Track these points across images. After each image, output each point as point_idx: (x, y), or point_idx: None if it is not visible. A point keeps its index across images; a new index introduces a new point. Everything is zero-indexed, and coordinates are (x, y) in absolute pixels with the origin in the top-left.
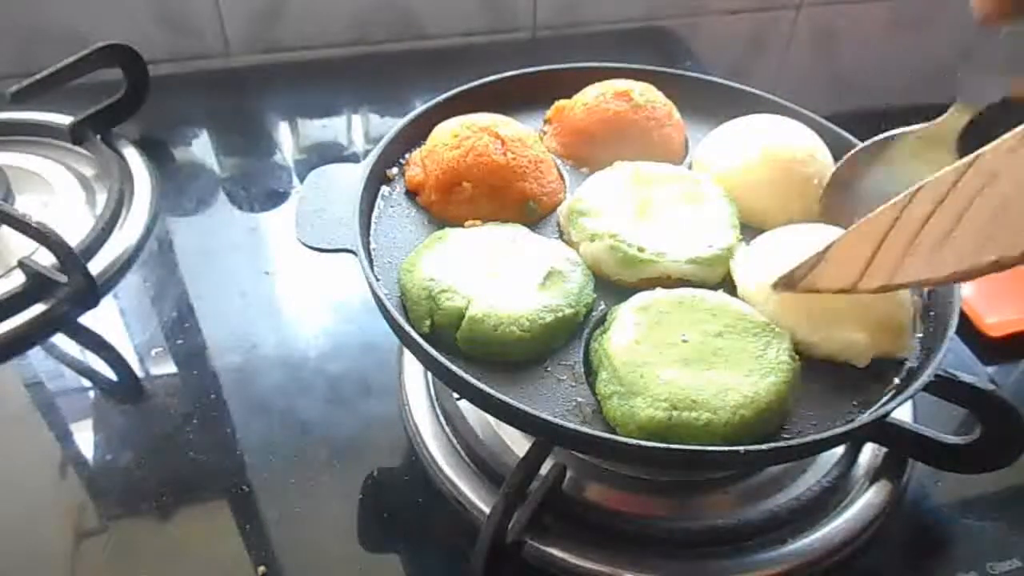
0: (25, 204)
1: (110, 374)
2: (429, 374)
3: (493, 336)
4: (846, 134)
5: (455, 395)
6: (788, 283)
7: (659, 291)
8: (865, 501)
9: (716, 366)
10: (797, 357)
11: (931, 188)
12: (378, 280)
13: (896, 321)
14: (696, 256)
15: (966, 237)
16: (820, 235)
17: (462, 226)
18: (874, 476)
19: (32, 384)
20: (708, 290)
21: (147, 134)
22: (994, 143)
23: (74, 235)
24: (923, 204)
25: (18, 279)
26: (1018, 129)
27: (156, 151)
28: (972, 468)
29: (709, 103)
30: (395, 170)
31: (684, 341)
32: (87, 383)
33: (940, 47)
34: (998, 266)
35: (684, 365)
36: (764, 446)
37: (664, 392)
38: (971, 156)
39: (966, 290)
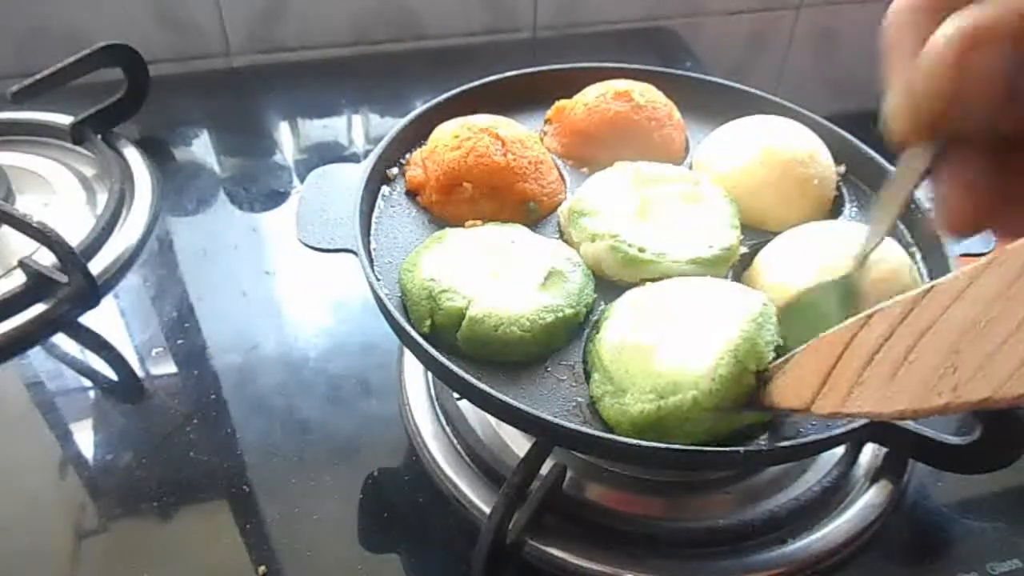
0: (26, 204)
1: (110, 374)
2: (429, 374)
3: (494, 336)
4: (846, 134)
5: (455, 395)
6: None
7: (647, 285)
8: (865, 501)
9: (696, 337)
10: (770, 301)
11: (884, 314)
12: (379, 280)
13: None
14: (697, 256)
15: (915, 374)
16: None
17: (462, 226)
18: (874, 476)
19: (32, 384)
20: (695, 276)
21: (148, 134)
22: (948, 276)
23: (75, 235)
24: (876, 330)
25: (19, 279)
26: (967, 268)
27: (157, 151)
28: (972, 468)
29: (710, 103)
30: (395, 170)
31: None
32: (87, 383)
33: None
34: (948, 409)
35: (667, 348)
36: (765, 447)
37: (648, 384)
38: (924, 287)
39: None
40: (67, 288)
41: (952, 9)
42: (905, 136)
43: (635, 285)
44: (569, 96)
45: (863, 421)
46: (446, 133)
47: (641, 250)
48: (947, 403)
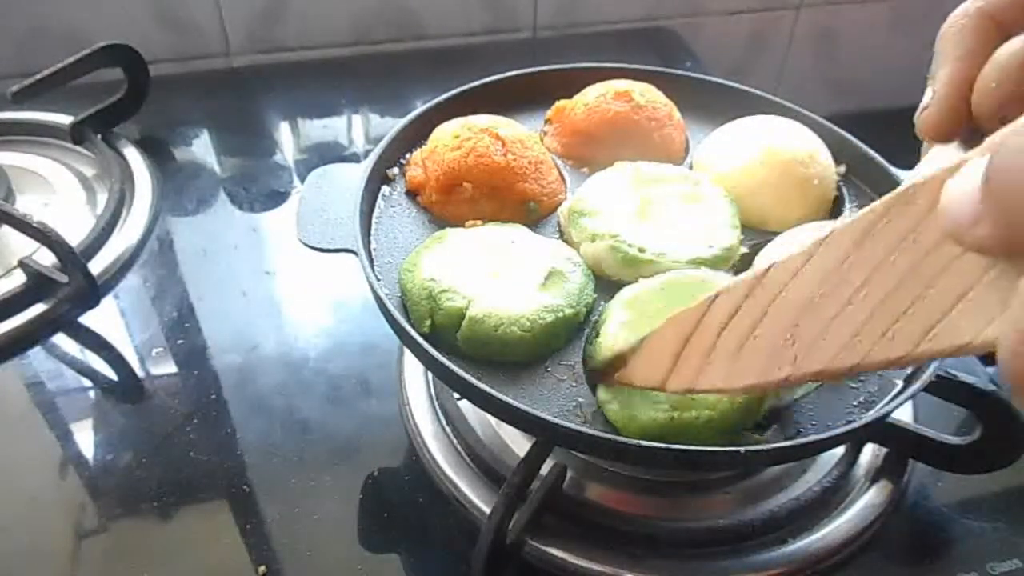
0: (26, 204)
1: (111, 374)
2: (429, 374)
3: (494, 336)
4: (846, 134)
5: (456, 395)
6: (606, 374)
7: (641, 282)
8: (865, 501)
9: None
10: None
11: (729, 294)
12: (379, 280)
13: None
14: (697, 256)
15: (760, 350)
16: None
17: (463, 226)
18: (874, 476)
19: (33, 384)
20: (690, 270)
21: (148, 134)
22: (785, 256)
23: (75, 235)
24: (721, 309)
25: (19, 279)
26: (804, 249)
27: (157, 151)
28: (972, 469)
29: (710, 103)
30: (396, 170)
31: None
32: (88, 383)
33: None
34: (790, 382)
35: None
36: (765, 447)
37: (662, 394)
38: (762, 267)
39: None
40: (67, 288)
41: (1017, 23)
42: (943, 130)
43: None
44: (569, 96)
45: (863, 421)
46: (446, 133)
47: (641, 250)
48: (787, 375)
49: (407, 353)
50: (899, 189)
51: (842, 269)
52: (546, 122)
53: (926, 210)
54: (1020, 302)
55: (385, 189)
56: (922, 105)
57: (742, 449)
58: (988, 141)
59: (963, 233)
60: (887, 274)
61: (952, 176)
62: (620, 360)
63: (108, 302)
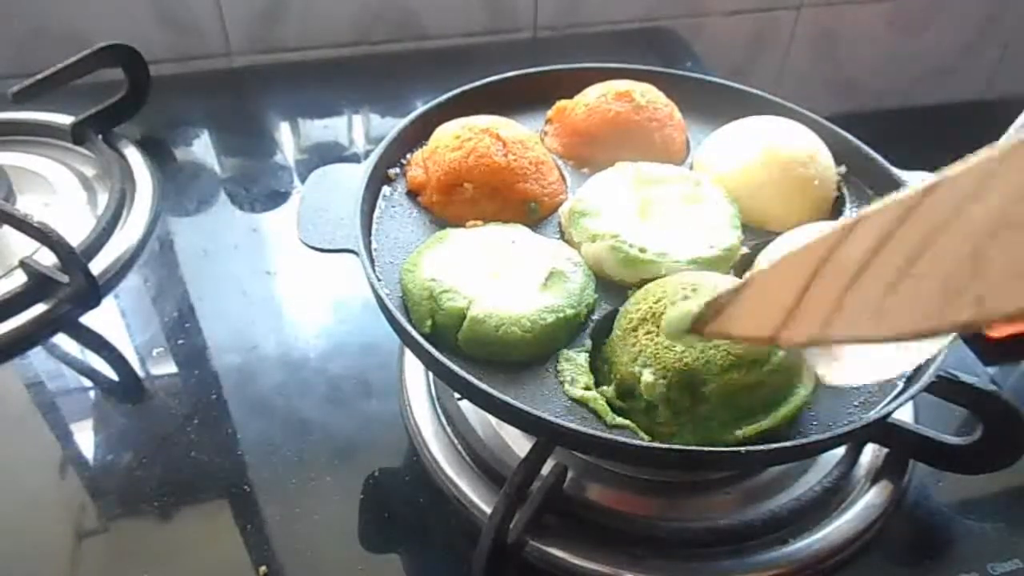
0: (26, 204)
1: (111, 374)
2: (430, 374)
3: (495, 336)
4: (847, 134)
5: (456, 395)
6: (699, 323)
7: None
8: (866, 502)
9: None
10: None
11: (872, 222)
12: (380, 280)
13: None
14: (697, 257)
15: (921, 288)
16: None
17: (463, 227)
18: (875, 477)
19: (33, 384)
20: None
21: (148, 134)
22: (956, 169)
23: (75, 235)
24: (862, 242)
25: (19, 279)
26: (971, 163)
27: (157, 151)
28: (973, 469)
29: (710, 104)
30: (396, 170)
31: None
32: (88, 383)
33: (940, 48)
34: (973, 326)
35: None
36: (765, 447)
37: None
38: (926, 183)
39: None
40: (68, 288)
41: None
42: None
43: (636, 285)
44: (570, 96)
45: (864, 422)
46: (447, 133)
47: (642, 250)
48: (970, 319)
49: (408, 353)
50: None
51: None
52: (547, 122)
53: None
54: None
55: (386, 189)
56: None
57: (742, 449)
58: None
59: None
60: None
61: None
62: (713, 308)
63: (109, 302)
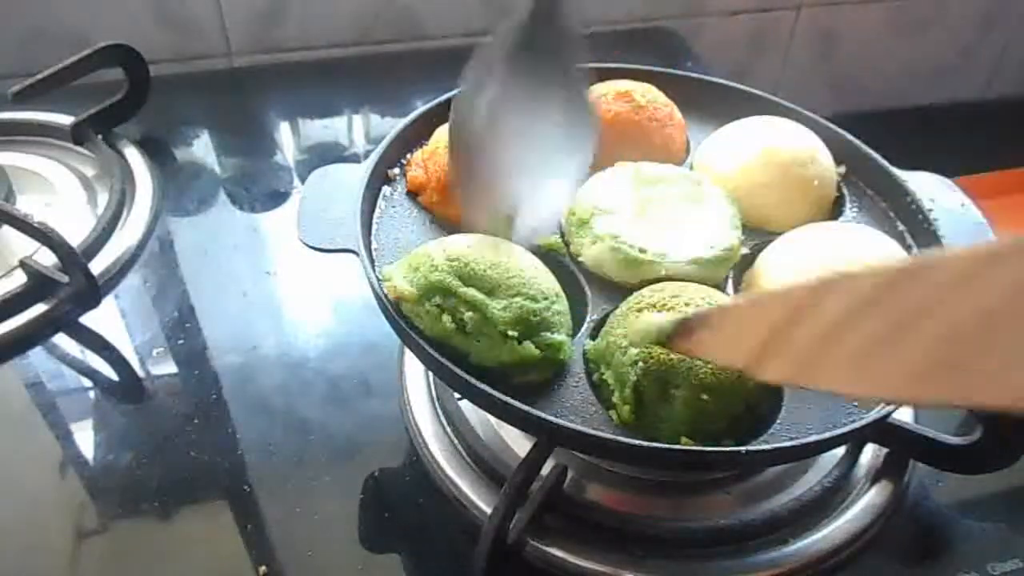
0: (26, 204)
1: (111, 374)
2: (430, 374)
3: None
4: (847, 135)
5: (456, 395)
6: (668, 338)
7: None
8: (866, 502)
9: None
10: None
11: (843, 289)
12: (380, 280)
13: None
14: (698, 257)
15: (906, 357)
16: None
17: (463, 228)
18: (875, 477)
19: (33, 384)
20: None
21: (148, 134)
22: (938, 255)
23: (75, 235)
24: (843, 299)
25: (19, 279)
26: (965, 250)
27: (157, 151)
28: (973, 469)
29: (711, 104)
30: (396, 170)
31: None
32: (88, 383)
33: (940, 48)
34: (956, 406)
35: None
36: (765, 447)
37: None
38: (899, 262)
39: None
40: (68, 288)
41: None
42: None
43: (636, 286)
44: None
45: (864, 421)
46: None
47: (642, 251)
48: (951, 399)
49: (408, 353)
50: None
51: None
52: None
53: None
54: None
55: (386, 189)
56: None
57: (743, 449)
58: None
59: None
60: None
61: None
62: (683, 327)
63: (109, 302)
